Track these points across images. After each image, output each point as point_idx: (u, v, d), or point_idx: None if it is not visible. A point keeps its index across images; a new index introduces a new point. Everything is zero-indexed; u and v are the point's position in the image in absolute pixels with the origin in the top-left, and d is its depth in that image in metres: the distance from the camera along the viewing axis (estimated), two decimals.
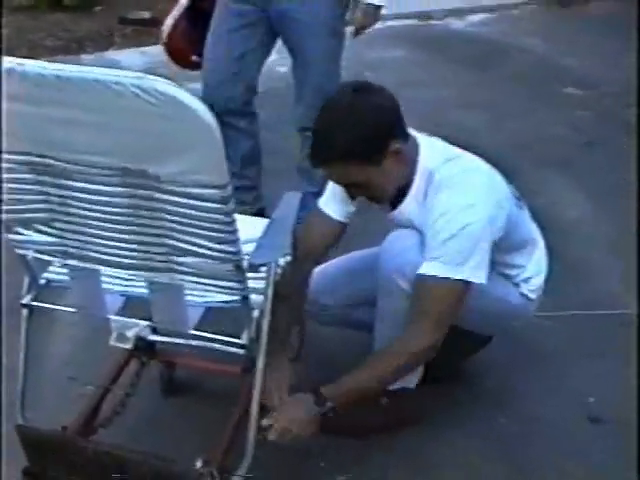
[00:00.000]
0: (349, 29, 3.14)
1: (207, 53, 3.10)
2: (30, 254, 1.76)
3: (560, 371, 2.69)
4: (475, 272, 2.04)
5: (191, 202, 1.48)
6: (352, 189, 2.12)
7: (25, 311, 1.86)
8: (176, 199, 1.49)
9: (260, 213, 3.13)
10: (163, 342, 2.03)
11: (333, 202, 2.31)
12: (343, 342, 2.64)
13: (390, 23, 6.79)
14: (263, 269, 1.73)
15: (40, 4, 6.31)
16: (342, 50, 3.09)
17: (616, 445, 2.36)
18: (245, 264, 1.63)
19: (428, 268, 2.03)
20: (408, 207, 2.15)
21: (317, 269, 2.40)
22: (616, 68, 5.82)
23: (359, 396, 2.11)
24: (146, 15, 6.35)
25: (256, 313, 1.78)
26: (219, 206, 1.48)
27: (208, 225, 1.52)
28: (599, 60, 6.08)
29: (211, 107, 3.02)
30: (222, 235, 1.53)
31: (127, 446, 1.97)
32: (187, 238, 1.56)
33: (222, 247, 1.55)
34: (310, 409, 2.02)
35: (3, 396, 2.22)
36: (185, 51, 3.29)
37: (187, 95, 1.35)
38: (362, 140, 1.97)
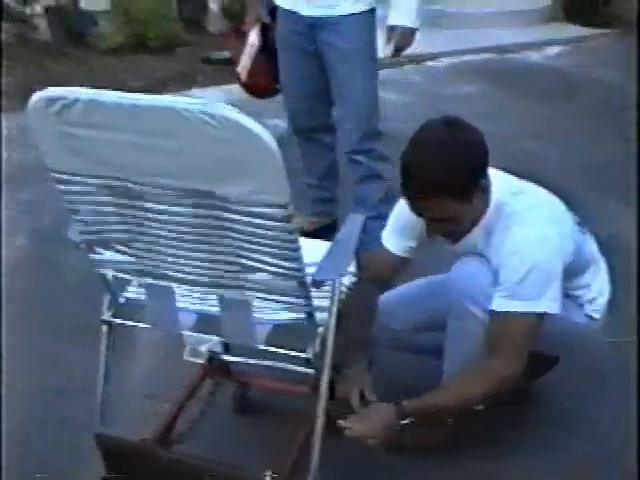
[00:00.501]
0: (388, 51, 3.28)
1: (284, 79, 3.39)
2: (109, 273, 1.88)
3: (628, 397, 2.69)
4: (551, 304, 2.11)
5: (256, 221, 1.58)
6: (436, 224, 2.16)
7: (105, 327, 1.97)
8: (242, 218, 1.59)
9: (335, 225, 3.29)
10: (236, 363, 2.16)
11: (394, 237, 2.39)
12: (407, 366, 2.67)
13: (466, 57, 6.89)
14: (327, 287, 1.80)
15: (125, 46, 6.55)
16: (377, 73, 3.29)
17: None
18: (309, 281, 1.71)
19: (507, 305, 2.10)
20: (476, 236, 2.21)
21: (382, 296, 2.47)
22: None
23: (439, 414, 2.21)
24: (227, 55, 6.56)
25: (321, 329, 1.85)
26: (282, 224, 1.57)
27: (272, 242, 1.61)
28: None
29: (296, 125, 3.25)
30: (285, 252, 1.62)
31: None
32: (253, 255, 1.66)
33: (286, 264, 1.64)
34: (390, 419, 2.11)
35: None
36: (267, 85, 3.57)
37: (249, 120, 1.45)
38: (460, 176, 2.03)
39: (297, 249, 1.62)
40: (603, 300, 2.39)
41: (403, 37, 3.21)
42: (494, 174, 2.18)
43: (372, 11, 3.17)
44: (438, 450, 2.41)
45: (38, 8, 6.62)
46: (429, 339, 2.44)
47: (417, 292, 2.56)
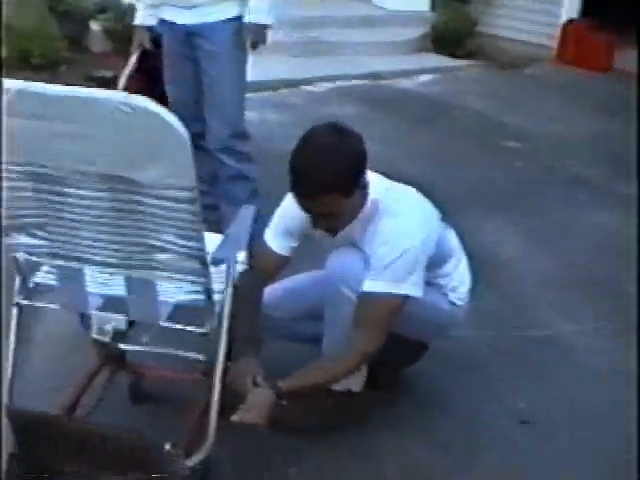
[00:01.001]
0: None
1: (168, 87, 3.66)
2: (21, 256, 2.03)
3: (497, 381, 3.02)
4: (414, 288, 2.38)
5: (164, 203, 1.78)
6: (322, 219, 2.40)
7: (16, 309, 2.12)
8: (152, 201, 1.79)
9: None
10: (132, 353, 2.34)
11: (278, 238, 2.61)
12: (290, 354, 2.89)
13: (342, 83, 7.23)
14: (223, 267, 2.01)
15: (8, 61, 6.57)
16: (244, 77, 3.64)
17: (542, 442, 2.69)
18: (208, 260, 1.92)
19: (374, 286, 2.36)
20: (353, 229, 2.46)
21: (267, 289, 2.69)
22: (547, 124, 6.30)
23: (311, 390, 2.43)
24: (109, 74, 6.67)
25: (217, 308, 2.06)
26: (188, 206, 1.79)
27: (179, 224, 1.82)
28: (535, 117, 6.54)
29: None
30: (190, 233, 1.83)
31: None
32: (161, 236, 1.86)
33: (190, 244, 1.85)
34: (271, 401, 2.31)
35: None
36: None
37: (163, 110, 1.66)
38: (346, 175, 2.29)
39: (200, 230, 1.84)
40: (465, 289, 2.68)
41: (258, 32, 3.51)
42: (370, 175, 2.45)
43: (239, 18, 3.46)
44: (319, 428, 2.64)
45: None
46: (310, 327, 2.66)
47: (298, 284, 2.80)
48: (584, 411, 2.88)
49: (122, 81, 3.72)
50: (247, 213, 2.22)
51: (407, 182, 2.59)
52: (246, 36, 3.48)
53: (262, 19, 3.47)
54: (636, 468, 2.43)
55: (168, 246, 1.87)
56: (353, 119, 6.18)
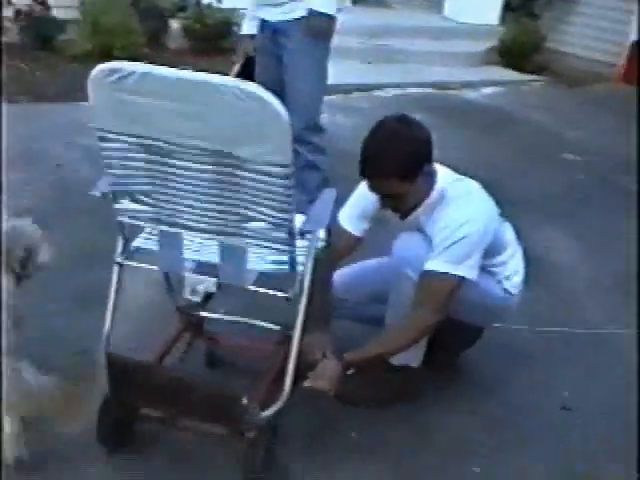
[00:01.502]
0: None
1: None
2: (125, 221, 2.29)
3: (543, 372, 3.22)
4: (470, 270, 2.58)
5: (262, 177, 2.02)
6: (386, 199, 2.66)
7: (116, 267, 2.38)
8: (251, 175, 2.03)
9: None
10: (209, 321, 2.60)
11: (351, 220, 2.86)
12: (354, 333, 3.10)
13: (410, 90, 7.44)
14: (308, 237, 2.25)
15: (91, 54, 6.92)
16: (325, 73, 3.96)
17: (584, 429, 2.89)
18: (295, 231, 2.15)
19: (433, 265, 2.57)
20: (420, 215, 2.68)
21: (336, 273, 2.92)
22: (608, 139, 6.44)
23: (374, 362, 2.67)
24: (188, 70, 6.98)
25: (299, 277, 2.29)
26: (283, 181, 2.02)
27: (272, 197, 2.05)
28: (596, 132, 6.69)
29: None
30: (283, 205, 2.06)
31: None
32: (255, 207, 2.10)
33: (280, 215, 2.09)
34: (337, 372, 2.53)
35: None
36: None
37: (268, 95, 1.90)
38: (406, 162, 2.53)
39: (291, 203, 2.07)
40: (518, 278, 2.89)
41: (319, 21, 3.75)
42: (439, 166, 2.68)
43: (319, 14, 3.72)
44: (381, 403, 2.86)
45: (10, 12, 6.94)
46: (375, 310, 2.88)
47: (366, 269, 3.03)
48: (622, 402, 3.05)
49: None
50: (329, 195, 2.45)
51: None
52: (311, 24, 3.73)
53: (324, 8, 3.72)
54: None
55: (261, 216, 2.11)
56: None
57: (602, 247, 4.48)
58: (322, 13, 3.72)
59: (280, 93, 3.80)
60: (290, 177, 2.02)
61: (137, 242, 2.42)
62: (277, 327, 2.74)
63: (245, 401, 2.29)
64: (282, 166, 2.00)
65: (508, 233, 2.87)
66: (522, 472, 2.67)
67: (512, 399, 3.03)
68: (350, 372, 2.60)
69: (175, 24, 7.87)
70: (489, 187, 2.75)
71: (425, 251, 2.61)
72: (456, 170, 2.79)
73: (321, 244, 2.44)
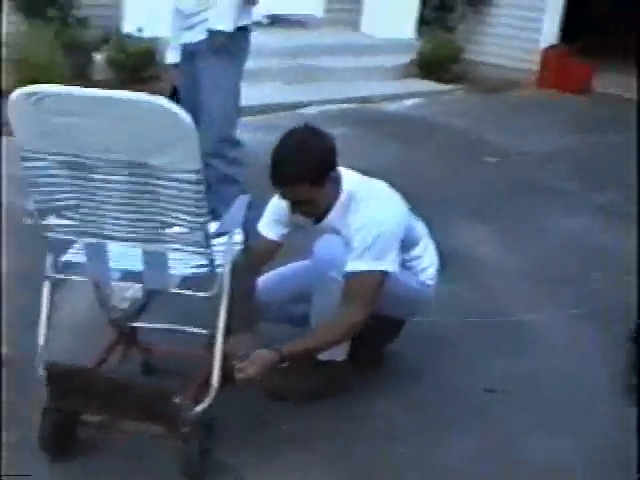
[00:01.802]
0: None
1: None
2: (53, 236, 2.42)
3: (466, 359, 3.43)
4: (391, 265, 2.78)
5: (175, 184, 2.19)
6: (297, 205, 2.84)
7: (48, 282, 2.51)
8: (165, 182, 2.19)
9: None
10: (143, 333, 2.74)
11: (268, 226, 3.02)
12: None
13: (331, 106, 7.67)
14: (223, 240, 2.41)
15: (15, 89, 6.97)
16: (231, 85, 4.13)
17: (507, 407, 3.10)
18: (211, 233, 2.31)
19: (356, 265, 2.75)
20: (333, 218, 2.86)
21: (261, 278, 3.08)
22: (525, 141, 6.75)
23: (305, 354, 2.84)
24: None
25: (219, 278, 2.45)
26: (194, 187, 2.19)
27: (186, 201, 2.22)
28: (514, 134, 6.98)
29: None
30: (196, 209, 2.23)
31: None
32: (171, 213, 2.26)
33: (195, 219, 2.25)
34: (272, 361, 2.68)
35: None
36: None
37: (174, 105, 2.07)
38: (314, 168, 2.73)
39: (204, 207, 2.24)
40: (433, 270, 3.09)
41: (217, 39, 3.94)
42: (345, 171, 2.88)
43: (219, 32, 3.92)
44: (309, 397, 3.02)
45: None
46: (300, 310, 3.03)
47: (288, 272, 3.20)
48: (545, 383, 3.27)
49: None
50: (242, 200, 2.62)
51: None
52: (211, 42, 3.94)
53: (218, 25, 3.92)
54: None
55: (177, 221, 2.27)
56: (340, 138, 6.53)
57: (520, 243, 4.72)
58: (218, 31, 3.92)
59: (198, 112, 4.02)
60: (201, 182, 2.18)
61: (67, 257, 2.55)
62: (205, 331, 2.87)
63: (177, 399, 2.44)
64: (192, 172, 2.17)
65: (419, 228, 3.07)
66: (447, 450, 2.85)
67: (437, 384, 3.22)
68: (283, 365, 2.74)
69: (99, 56, 7.96)
70: (413, 191, 2.96)
71: (345, 252, 2.79)
72: (377, 176, 2.97)
73: (238, 247, 2.59)
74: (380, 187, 2.93)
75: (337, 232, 2.86)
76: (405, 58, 9.11)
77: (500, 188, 5.67)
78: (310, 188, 2.73)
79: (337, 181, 2.82)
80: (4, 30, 7.11)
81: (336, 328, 2.80)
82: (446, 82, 8.95)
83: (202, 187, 2.20)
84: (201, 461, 2.54)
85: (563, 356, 3.47)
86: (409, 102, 8.19)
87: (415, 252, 3.00)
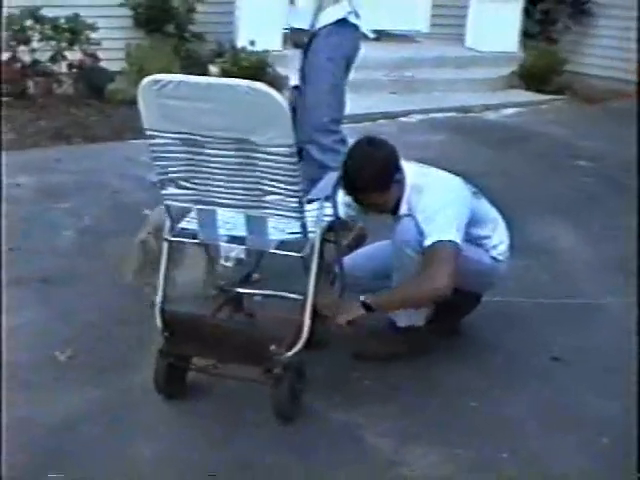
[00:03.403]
0: None
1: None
2: (171, 204, 2.87)
3: (536, 332, 3.74)
4: (457, 234, 3.08)
5: (273, 157, 2.61)
6: (368, 207, 3.26)
7: (166, 244, 2.97)
8: (265, 156, 2.62)
9: None
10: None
11: (341, 208, 3.33)
12: None
13: (433, 115, 8.00)
14: (314, 207, 2.82)
15: None
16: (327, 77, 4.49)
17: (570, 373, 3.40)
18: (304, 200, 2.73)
19: (427, 241, 3.09)
20: (404, 209, 3.22)
21: (351, 255, 3.46)
22: (619, 147, 6.93)
23: (392, 307, 3.25)
24: None
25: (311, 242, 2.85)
26: (289, 159, 2.62)
27: (282, 172, 2.64)
28: (607, 142, 7.17)
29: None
30: (290, 179, 2.65)
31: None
32: (269, 182, 2.68)
33: (290, 187, 2.67)
34: (359, 310, 3.08)
35: None
36: None
37: (272, 90, 2.49)
38: (379, 177, 3.13)
39: (298, 176, 2.65)
40: (504, 247, 3.41)
41: (297, 36, 4.47)
42: (406, 165, 3.23)
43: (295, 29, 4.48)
44: (390, 358, 3.40)
45: (63, 65, 7.68)
46: (383, 284, 3.37)
47: (374, 250, 3.57)
48: (609, 356, 3.54)
49: None
50: (332, 175, 3.05)
51: (485, 193, 3.43)
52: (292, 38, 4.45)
53: (295, 24, 4.44)
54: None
55: (275, 189, 2.69)
56: (439, 144, 6.99)
57: (603, 237, 4.96)
58: (296, 28, 4.44)
59: None
60: (294, 155, 2.60)
61: (182, 224, 3.00)
62: (300, 297, 3.26)
63: (273, 345, 2.84)
64: (287, 146, 2.60)
65: (485, 207, 3.39)
66: (514, 404, 3.19)
67: (507, 353, 3.54)
68: (371, 312, 3.10)
69: (214, 69, 8.49)
70: (505, 192, 3.24)
71: (418, 233, 3.12)
72: (474, 178, 3.36)
73: (328, 219, 2.98)
74: (438, 175, 3.30)
75: (413, 216, 3.20)
76: (507, 70, 9.35)
77: (590, 190, 5.90)
78: (378, 194, 3.14)
79: (401, 181, 3.19)
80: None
81: (419, 287, 3.11)
82: (548, 93, 9.14)
83: (295, 159, 2.61)
84: (291, 403, 2.93)
85: (628, 335, 3.70)
86: (509, 111, 8.43)
87: (485, 231, 3.33)
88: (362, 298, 3.08)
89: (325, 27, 4.36)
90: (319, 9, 4.34)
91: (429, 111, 8.19)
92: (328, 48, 4.41)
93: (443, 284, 3.03)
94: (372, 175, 3.09)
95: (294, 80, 4.74)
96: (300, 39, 4.41)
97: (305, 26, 4.37)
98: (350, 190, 3.14)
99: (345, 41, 4.47)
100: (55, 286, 3.91)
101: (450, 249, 3.06)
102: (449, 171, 3.35)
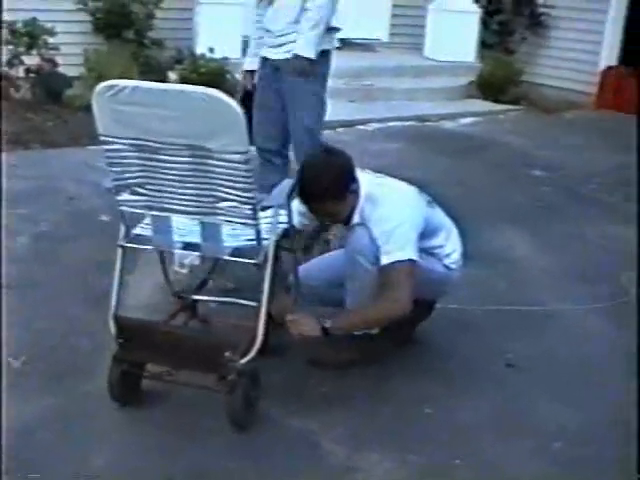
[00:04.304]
0: None
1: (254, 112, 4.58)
2: (126, 210, 2.86)
3: (491, 339, 3.78)
4: (413, 253, 3.11)
5: (227, 164, 2.61)
6: (323, 217, 3.27)
7: (120, 250, 2.96)
8: (219, 162, 2.62)
9: None
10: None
11: (295, 216, 3.32)
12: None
13: (391, 124, 8.05)
14: (269, 214, 2.82)
15: None
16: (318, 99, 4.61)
17: (525, 379, 3.44)
18: (258, 207, 2.73)
19: (387, 259, 3.10)
20: (357, 220, 3.22)
21: (306, 264, 3.48)
22: (575, 157, 7.04)
23: (352, 330, 3.24)
24: None
25: (265, 249, 2.86)
26: (244, 165, 2.62)
27: (236, 178, 2.64)
28: (564, 151, 7.29)
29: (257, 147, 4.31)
30: (245, 185, 2.65)
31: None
32: (224, 189, 2.68)
33: (245, 194, 2.67)
34: (317, 330, 3.08)
35: None
36: None
37: (227, 97, 2.49)
38: (335, 186, 3.12)
39: (252, 183, 2.66)
40: (457, 255, 3.44)
41: (300, 63, 4.41)
42: (361, 174, 3.24)
43: (298, 57, 4.37)
44: (347, 365, 3.41)
45: (21, 70, 7.61)
46: (337, 293, 3.38)
47: (328, 259, 3.59)
48: (563, 363, 3.59)
49: None
50: (287, 182, 3.05)
51: (441, 202, 3.46)
52: (294, 65, 4.39)
53: (301, 52, 4.38)
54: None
55: (230, 196, 2.69)
56: (396, 152, 7.04)
57: (558, 246, 5.03)
58: (300, 56, 4.38)
59: (275, 122, 4.56)
60: (249, 162, 2.61)
61: (137, 230, 2.99)
62: (255, 303, 3.25)
63: (227, 352, 2.84)
64: (242, 153, 2.60)
65: (439, 217, 3.41)
66: (469, 410, 3.22)
67: (461, 359, 3.58)
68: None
69: (173, 75, 8.47)
70: (462, 200, 3.27)
71: (371, 242, 3.14)
72: (429, 186, 3.39)
73: (283, 226, 3.00)
74: (393, 185, 3.31)
75: (366, 225, 3.21)
76: (465, 80, 9.45)
77: (545, 199, 5.98)
78: (332, 203, 3.13)
79: (356, 190, 3.19)
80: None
81: (384, 310, 3.13)
82: (505, 103, 9.25)
83: (250, 166, 2.62)
84: (246, 410, 2.93)
85: (584, 342, 3.78)
86: (466, 121, 8.52)
87: (438, 240, 3.35)
88: (323, 323, 3.07)
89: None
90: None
91: (387, 120, 8.24)
92: (317, 79, 4.55)
93: (406, 307, 3.08)
94: (328, 183, 3.09)
95: (247, 64, 4.78)
96: (303, 66, 4.39)
97: (310, 55, 4.39)
98: (305, 198, 3.14)
99: (328, 69, 4.69)
100: (10, 292, 3.85)
101: (409, 268, 3.08)
102: (405, 179, 3.37)
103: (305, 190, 3.11)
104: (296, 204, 3.26)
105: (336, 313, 3.19)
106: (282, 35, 4.45)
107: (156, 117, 2.58)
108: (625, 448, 2.93)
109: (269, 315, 2.97)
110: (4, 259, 4.15)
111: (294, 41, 4.39)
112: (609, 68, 9.39)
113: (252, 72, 4.74)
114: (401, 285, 3.07)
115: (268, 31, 4.54)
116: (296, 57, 4.38)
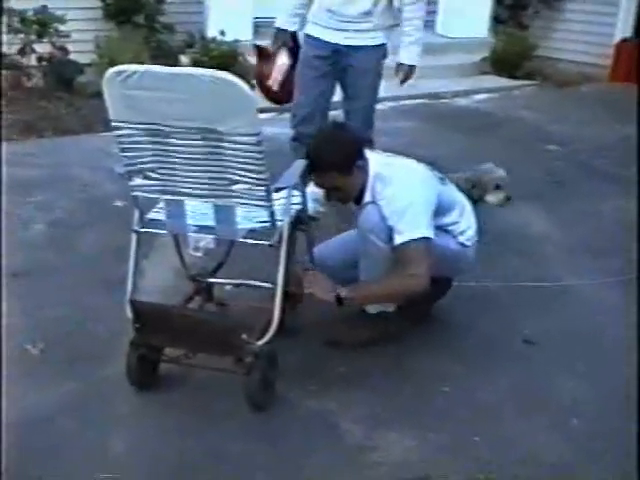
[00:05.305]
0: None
1: (297, 95, 4.57)
2: (139, 195, 2.86)
3: (509, 316, 3.77)
4: (428, 230, 3.10)
5: (239, 146, 2.60)
6: (331, 192, 3.24)
7: (134, 235, 2.96)
8: (231, 145, 2.61)
9: None
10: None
11: (309, 203, 3.33)
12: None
13: (404, 102, 8.00)
14: (282, 195, 2.82)
15: None
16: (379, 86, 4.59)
17: (542, 356, 3.44)
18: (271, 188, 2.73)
19: (400, 239, 3.09)
20: (368, 199, 3.22)
21: (322, 243, 3.49)
22: (590, 130, 6.98)
23: (366, 303, 3.25)
24: None
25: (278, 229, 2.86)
26: (255, 147, 2.61)
27: (248, 160, 2.63)
28: (578, 125, 7.22)
29: (298, 132, 4.44)
30: (257, 167, 2.64)
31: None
32: (237, 171, 2.67)
33: (257, 175, 2.66)
34: (331, 296, 3.05)
35: None
36: (290, 94, 4.66)
37: (237, 79, 2.48)
38: (342, 158, 3.13)
39: (264, 164, 2.64)
40: (472, 232, 3.43)
41: (407, 72, 4.50)
42: (370, 154, 3.24)
43: (383, 46, 4.45)
44: (363, 344, 3.41)
45: (33, 58, 7.61)
46: (352, 274, 3.37)
47: (343, 239, 3.59)
48: (580, 337, 3.58)
49: (275, 75, 4.55)
50: (300, 163, 3.04)
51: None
52: (398, 73, 4.51)
53: (412, 61, 4.49)
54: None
55: (242, 178, 2.68)
56: (410, 130, 7.00)
57: (573, 221, 5.00)
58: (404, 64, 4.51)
59: (316, 107, 4.51)
60: (260, 144, 2.59)
61: (150, 214, 2.99)
62: (271, 285, 3.26)
63: (244, 334, 2.85)
64: (253, 135, 2.59)
65: (452, 193, 3.40)
66: (487, 388, 3.22)
67: (479, 336, 3.57)
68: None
69: (185, 59, 8.45)
70: None
71: (381, 219, 3.13)
72: (444, 164, 3.34)
73: (297, 207, 2.99)
74: (402, 164, 3.30)
75: (376, 204, 3.20)
76: (478, 56, 9.38)
77: (559, 173, 5.94)
78: (339, 176, 3.13)
79: (364, 168, 3.19)
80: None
81: (400, 286, 3.12)
82: (519, 78, 9.17)
83: (262, 148, 2.61)
84: (263, 391, 2.94)
85: (600, 316, 3.76)
86: (480, 97, 8.47)
87: (451, 217, 3.34)
88: (338, 291, 3.05)
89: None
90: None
91: (400, 98, 8.17)
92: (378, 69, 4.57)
93: (424, 282, 3.06)
94: (334, 154, 3.10)
95: (285, 23, 4.58)
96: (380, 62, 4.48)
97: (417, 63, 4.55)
98: (312, 168, 3.13)
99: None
100: (26, 280, 3.87)
101: (424, 246, 3.07)
102: (420, 157, 3.36)
103: (312, 160, 3.12)
104: (310, 189, 3.25)
105: (352, 285, 3.16)
106: (351, 22, 4.35)
107: (166, 101, 2.57)
108: None
109: (285, 296, 2.95)
110: (18, 247, 4.17)
111: (366, 30, 4.35)
112: (624, 40, 9.30)
113: (288, 32, 4.56)
114: (418, 261, 3.06)
115: (330, 11, 4.37)
116: (400, 65, 4.48)
